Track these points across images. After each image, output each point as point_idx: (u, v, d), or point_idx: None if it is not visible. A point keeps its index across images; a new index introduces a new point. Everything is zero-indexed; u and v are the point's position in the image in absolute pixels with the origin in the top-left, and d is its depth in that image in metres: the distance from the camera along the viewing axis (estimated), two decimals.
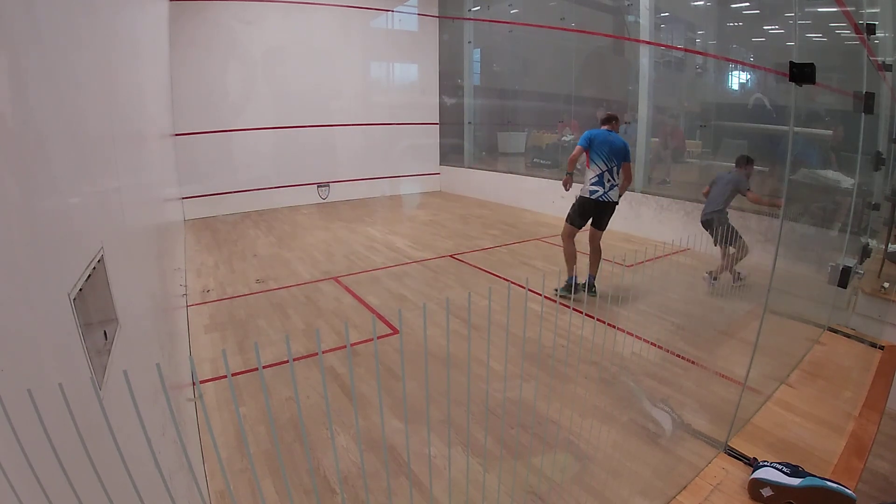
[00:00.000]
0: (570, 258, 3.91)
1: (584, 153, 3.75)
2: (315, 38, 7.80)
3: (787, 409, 2.06)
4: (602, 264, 3.94)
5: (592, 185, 3.74)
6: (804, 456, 1.75)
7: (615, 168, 3.72)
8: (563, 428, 2.22)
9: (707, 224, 4.09)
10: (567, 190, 3.83)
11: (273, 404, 2.53)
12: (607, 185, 3.72)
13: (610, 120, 3.86)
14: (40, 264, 0.69)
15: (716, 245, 3.94)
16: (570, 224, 3.89)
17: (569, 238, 3.91)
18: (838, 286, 2.57)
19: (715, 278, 4.02)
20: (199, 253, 5.44)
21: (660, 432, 2.25)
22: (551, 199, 7.28)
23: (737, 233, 3.89)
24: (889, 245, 3.24)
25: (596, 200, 3.75)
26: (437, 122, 9.47)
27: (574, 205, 3.87)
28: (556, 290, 3.94)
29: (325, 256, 5.22)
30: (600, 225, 3.88)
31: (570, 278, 3.89)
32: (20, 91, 0.70)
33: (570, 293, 3.85)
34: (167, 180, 4.49)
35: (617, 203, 3.83)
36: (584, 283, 3.87)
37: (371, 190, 8.68)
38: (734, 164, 4.19)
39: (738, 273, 3.89)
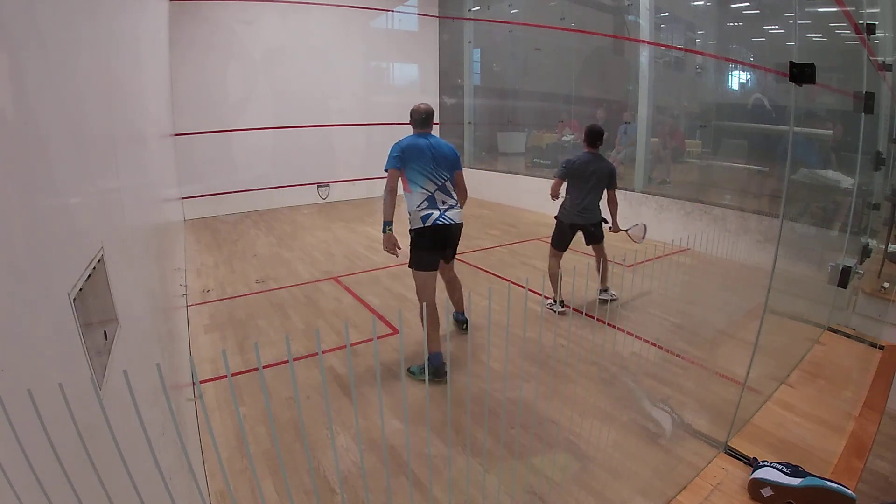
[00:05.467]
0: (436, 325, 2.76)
1: (401, 174, 2.79)
2: (315, 38, 7.80)
3: (787, 409, 2.06)
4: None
5: (422, 212, 2.75)
6: (804, 456, 1.75)
7: (448, 182, 2.82)
8: (563, 428, 2.22)
9: (581, 227, 3.64)
10: (394, 252, 2.86)
11: (273, 404, 2.53)
12: (442, 206, 2.77)
13: (430, 119, 2.86)
14: (40, 264, 0.69)
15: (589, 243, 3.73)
16: (421, 270, 2.76)
17: (430, 294, 2.80)
18: (838, 286, 2.57)
19: (559, 303, 3.52)
20: (199, 253, 5.43)
21: (660, 432, 2.25)
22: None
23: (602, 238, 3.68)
24: (889, 245, 3.24)
25: (434, 227, 2.72)
26: (438, 122, 9.47)
27: (412, 242, 2.79)
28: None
29: (325, 256, 5.22)
30: (448, 257, 2.99)
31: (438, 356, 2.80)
32: (21, 91, 0.70)
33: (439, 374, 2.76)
34: (167, 180, 4.49)
35: (462, 225, 2.89)
36: (457, 316, 3.32)
37: (371, 190, 8.66)
38: (585, 142, 3.57)
39: (608, 290, 3.71)
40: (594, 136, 3.56)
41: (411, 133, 2.86)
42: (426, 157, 2.76)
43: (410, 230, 2.79)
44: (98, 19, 1.41)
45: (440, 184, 2.80)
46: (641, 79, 5.94)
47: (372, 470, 2.05)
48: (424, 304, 2.62)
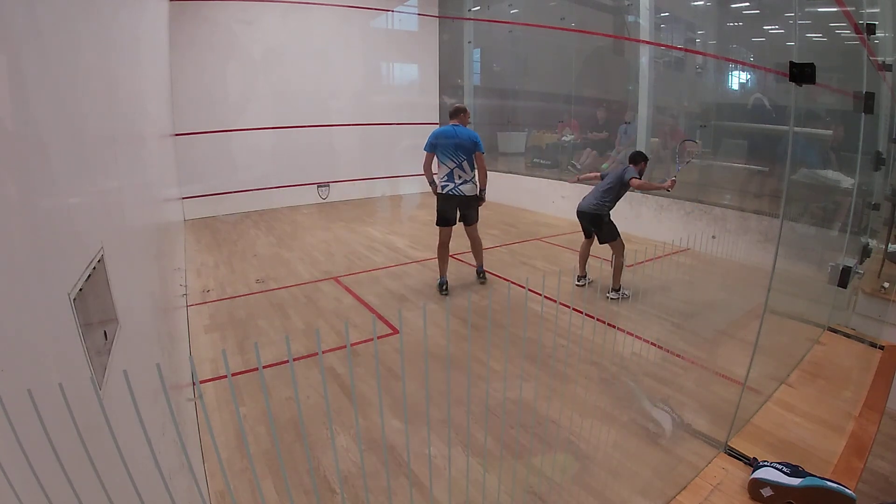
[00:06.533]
0: (443, 260, 4.07)
1: (432, 156, 3.84)
2: (315, 38, 7.79)
3: (787, 409, 2.06)
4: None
5: (442, 182, 3.85)
6: (804, 456, 1.75)
7: (465, 162, 3.79)
8: (563, 428, 2.22)
9: (585, 216, 3.98)
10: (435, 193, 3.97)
11: (273, 404, 2.53)
12: (458, 180, 3.81)
13: (457, 113, 3.86)
14: (40, 264, 0.69)
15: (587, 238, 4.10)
16: (438, 225, 3.97)
17: (440, 241, 4.01)
18: (838, 286, 2.57)
19: (581, 276, 4.20)
20: (199, 253, 5.43)
21: (660, 432, 2.25)
22: (551, 199, 7.28)
23: (616, 234, 3.91)
24: (889, 245, 3.24)
25: (446, 195, 3.85)
26: (437, 122, 9.47)
27: (436, 201, 3.97)
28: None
29: (325, 256, 5.22)
30: (467, 220, 4.01)
31: (442, 278, 4.11)
32: (20, 91, 0.70)
33: (442, 291, 4.08)
34: (167, 180, 4.49)
35: (478, 197, 3.92)
36: (478, 272, 4.26)
37: (371, 190, 8.66)
38: (630, 161, 3.99)
39: (620, 288, 3.88)
40: (635, 158, 3.95)
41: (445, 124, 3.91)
42: (449, 143, 3.75)
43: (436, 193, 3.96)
44: (98, 19, 1.41)
45: (458, 163, 3.78)
46: (641, 79, 5.94)
47: (372, 470, 2.05)
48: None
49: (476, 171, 3.86)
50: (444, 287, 4.07)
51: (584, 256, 4.15)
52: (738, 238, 4.78)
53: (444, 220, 3.94)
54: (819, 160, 3.39)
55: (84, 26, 1.20)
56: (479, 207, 4.03)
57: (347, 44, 8.14)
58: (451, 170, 3.79)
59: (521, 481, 1.95)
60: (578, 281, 4.20)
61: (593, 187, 3.97)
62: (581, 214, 3.96)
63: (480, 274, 4.25)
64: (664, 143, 6.14)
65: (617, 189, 3.84)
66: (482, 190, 3.93)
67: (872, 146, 3.01)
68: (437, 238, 4.03)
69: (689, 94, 6.01)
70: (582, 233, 4.12)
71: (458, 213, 3.97)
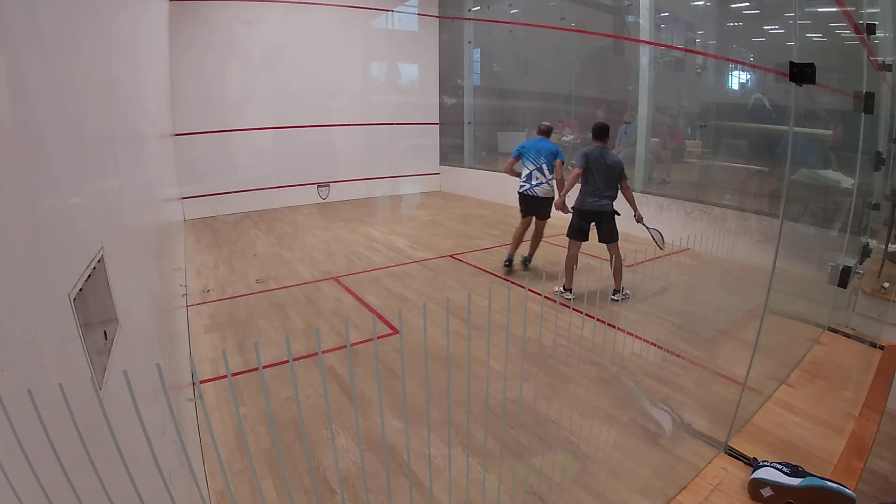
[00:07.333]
0: (518, 239, 4.66)
1: (517, 160, 4.58)
2: (315, 38, 7.79)
3: (787, 409, 2.06)
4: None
5: (521, 182, 4.54)
6: (804, 456, 1.75)
7: (544, 165, 4.42)
8: (563, 428, 2.22)
9: (597, 215, 3.83)
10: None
11: (273, 404, 2.53)
12: (534, 181, 4.46)
13: (549, 132, 4.63)
14: (40, 264, 0.69)
15: (602, 241, 3.91)
16: (522, 215, 4.66)
17: (521, 226, 4.65)
18: (838, 286, 2.57)
19: (569, 290, 3.97)
20: (199, 253, 5.43)
21: (660, 432, 2.25)
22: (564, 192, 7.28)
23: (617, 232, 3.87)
24: (889, 245, 3.24)
25: (522, 194, 4.55)
26: (437, 122, 9.47)
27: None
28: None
29: (325, 256, 5.22)
30: (539, 215, 4.64)
31: (510, 255, 4.66)
32: (20, 91, 0.70)
33: (504, 265, 4.61)
34: (167, 180, 4.49)
35: (551, 198, 4.48)
36: (524, 258, 4.82)
37: (371, 190, 8.66)
38: (595, 137, 3.82)
39: (623, 289, 3.85)
40: (603, 131, 3.84)
41: (533, 136, 4.66)
42: (532, 151, 4.46)
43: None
44: (98, 19, 1.41)
45: (538, 166, 4.43)
46: (641, 79, 5.94)
47: (372, 470, 2.05)
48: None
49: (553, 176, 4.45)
50: (510, 262, 4.61)
51: (576, 263, 3.93)
52: (738, 238, 4.78)
53: (526, 212, 4.59)
54: (819, 160, 3.39)
55: (84, 26, 1.20)
56: (552, 206, 4.48)
57: (347, 44, 8.13)
58: (531, 171, 4.45)
59: (521, 481, 1.95)
60: (567, 293, 3.96)
61: (596, 181, 3.75)
62: (600, 215, 3.78)
63: (528, 260, 4.81)
64: (664, 143, 6.14)
65: (616, 178, 3.78)
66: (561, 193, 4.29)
67: (872, 146, 3.01)
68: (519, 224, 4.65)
69: (689, 94, 6.01)
70: (569, 237, 3.94)
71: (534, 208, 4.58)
